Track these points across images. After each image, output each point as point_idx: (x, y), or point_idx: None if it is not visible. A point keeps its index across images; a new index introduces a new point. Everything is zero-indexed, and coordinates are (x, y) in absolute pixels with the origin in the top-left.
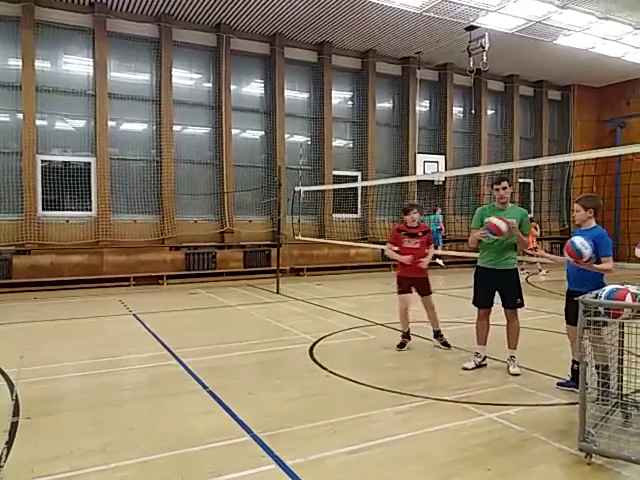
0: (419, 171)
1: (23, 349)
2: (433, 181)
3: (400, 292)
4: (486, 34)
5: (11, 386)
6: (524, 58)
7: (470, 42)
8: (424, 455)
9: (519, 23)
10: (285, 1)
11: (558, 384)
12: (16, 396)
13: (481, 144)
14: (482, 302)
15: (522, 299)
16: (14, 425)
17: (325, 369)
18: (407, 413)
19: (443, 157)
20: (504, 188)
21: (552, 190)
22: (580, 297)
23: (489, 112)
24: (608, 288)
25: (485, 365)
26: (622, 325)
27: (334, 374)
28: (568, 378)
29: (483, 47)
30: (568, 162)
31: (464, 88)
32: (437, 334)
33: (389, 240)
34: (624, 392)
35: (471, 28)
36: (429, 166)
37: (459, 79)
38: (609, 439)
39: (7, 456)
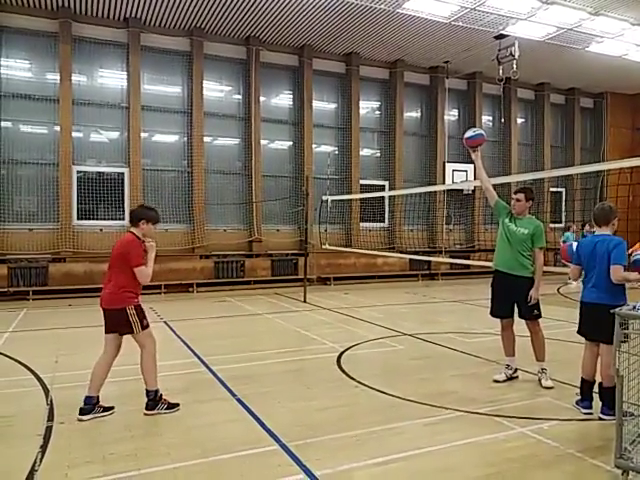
0: (448, 180)
1: (58, 354)
2: (462, 190)
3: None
4: (516, 42)
5: (46, 391)
6: (555, 66)
7: (500, 51)
8: (453, 469)
9: (550, 31)
10: (314, 13)
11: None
12: (51, 401)
13: (511, 153)
14: (500, 312)
15: (539, 310)
16: (48, 429)
17: (353, 379)
18: (436, 425)
19: (472, 166)
20: (518, 200)
21: (585, 199)
22: (616, 309)
23: (519, 120)
24: None
25: (517, 377)
26: None
27: (362, 384)
28: (578, 397)
29: (513, 55)
30: (601, 171)
31: (493, 97)
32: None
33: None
34: None
35: (501, 37)
36: (458, 175)
37: (488, 88)
38: None
39: (41, 460)
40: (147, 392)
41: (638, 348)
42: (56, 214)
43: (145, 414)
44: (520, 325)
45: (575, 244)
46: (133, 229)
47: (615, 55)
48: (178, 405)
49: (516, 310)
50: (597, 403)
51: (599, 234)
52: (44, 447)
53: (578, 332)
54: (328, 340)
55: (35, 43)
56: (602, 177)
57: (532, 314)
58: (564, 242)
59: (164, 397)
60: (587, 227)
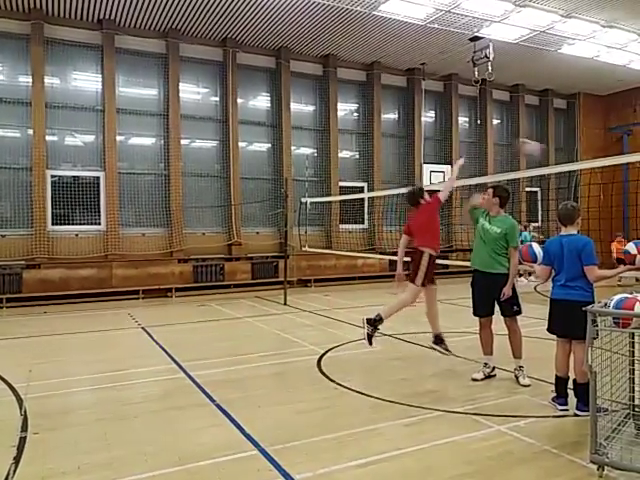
0: (425, 181)
1: (32, 363)
2: (439, 191)
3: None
4: (490, 44)
5: (20, 401)
6: (529, 67)
7: (475, 52)
8: (433, 468)
9: (523, 33)
10: (290, 15)
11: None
12: (25, 411)
13: (487, 153)
14: (481, 311)
15: (519, 306)
16: (22, 440)
17: (333, 381)
18: (416, 425)
19: (449, 167)
20: (487, 195)
21: (559, 199)
22: (588, 307)
23: (495, 121)
24: (616, 297)
25: (494, 376)
26: (632, 335)
27: (342, 386)
28: (554, 394)
29: (488, 57)
30: (575, 170)
31: (469, 98)
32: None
33: None
34: (636, 403)
35: (475, 39)
36: (435, 176)
37: (464, 89)
38: (621, 451)
39: (15, 472)
40: (378, 316)
41: (610, 344)
42: (30, 219)
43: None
44: (497, 324)
45: (535, 244)
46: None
47: (587, 57)
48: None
49: (497, 308)
50: (573, 400)
51: (565, 233)
52: (18, 458)
53: (548, 330)
54: (309, 342)
55: (6, 45)
56: (575, 177)
57: (512, 311)
58: (522, 242)
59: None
60: (532, 227)
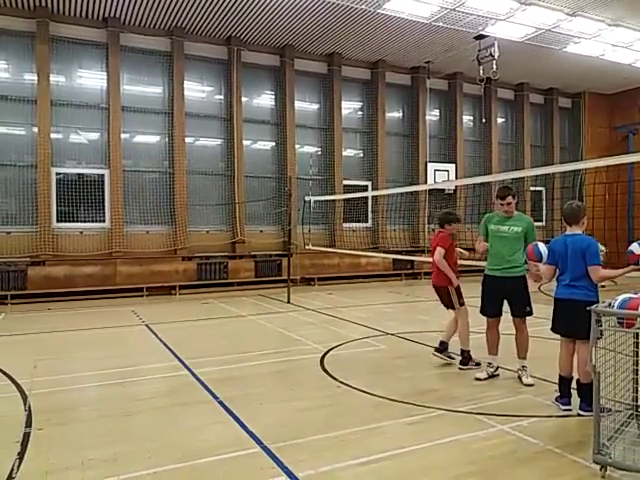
0: (430, 180)
1: (37, 359)
2: (444, 190)
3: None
4: (495, 43)
5: (24, 396)
6: (534, 66)
7: (479, 51)
8: (435, 467)
9: (528, 31)
10: (295, 13)
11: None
12: (29, 407)
13: (492, 152)
14: (490, 311)
15: (531, 307)
16: (26, 436)
17: (336, 380)
18: (419, 424)
19: (454, 166)
20: (508, 204)
21: (563, 198)
22: (592, 307)
23: (499, 120)
24: (621, 297)
25: (498, 375)
26: (637, 335)
27: (345, 385)
28: (557, 394)
29: (492, 56)
30: (580, 170)
31: (474, 97)
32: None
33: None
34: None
35: (480, 37)
36: (440, 175)
37: (469, 88)
38: (624, 451)
39: (19, 467)
40: (462, 351)
41: (614, 344)
42: (35, 217)
43: (460, 369)
44: (502, 323)
45: (540, 244)
46: (443, 230)
47: (592, 55)
48: (479, 364)
49: (507, 308)
50: (576, 399)
51: (570, 233)
52: (22, 454)
53: (552, 329)
54: (312, 341)
55: (12, 43)
56: (580, 176)
57: (524, 311)
58: None
59: (473, 357)
60: None
